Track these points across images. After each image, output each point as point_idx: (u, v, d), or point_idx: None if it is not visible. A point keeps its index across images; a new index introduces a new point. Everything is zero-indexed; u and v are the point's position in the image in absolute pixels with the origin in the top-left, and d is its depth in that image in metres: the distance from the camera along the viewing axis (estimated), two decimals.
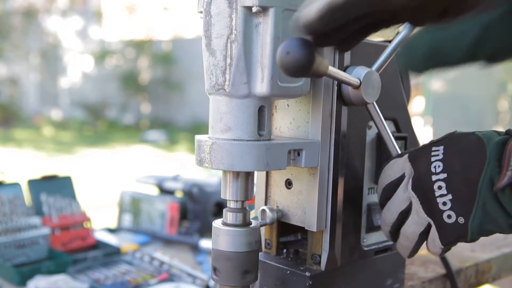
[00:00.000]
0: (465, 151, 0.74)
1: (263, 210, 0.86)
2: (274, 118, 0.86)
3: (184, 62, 14.46)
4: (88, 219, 1.75)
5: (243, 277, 0.76)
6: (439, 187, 0.74)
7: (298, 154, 0.78)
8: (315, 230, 0.81)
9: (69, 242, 1.68)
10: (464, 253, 1.24)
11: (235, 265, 0.75)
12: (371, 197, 0.90)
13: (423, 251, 1.23)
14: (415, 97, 8.38)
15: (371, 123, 0.88)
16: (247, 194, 0.76)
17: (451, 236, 0.76)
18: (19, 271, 1.42)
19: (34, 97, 16.64)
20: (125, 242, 1.80)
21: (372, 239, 0.91)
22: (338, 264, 0.84)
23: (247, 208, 0.77)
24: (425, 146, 0.79)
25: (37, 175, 1.78)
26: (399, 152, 0.84)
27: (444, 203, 0.74)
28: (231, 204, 0.77)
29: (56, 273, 1.43)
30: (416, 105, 8.42)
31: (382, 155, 0.89)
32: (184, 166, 7.91)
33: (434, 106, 8.81)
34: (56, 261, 1.53)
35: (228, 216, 0.77)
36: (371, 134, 0.88)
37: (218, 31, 0.71)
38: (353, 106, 0.82)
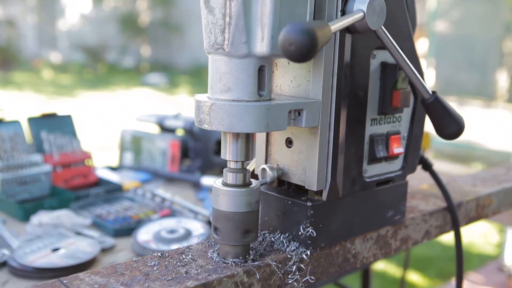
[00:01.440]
0: None
1: (263, 169, 0.85)
2: (275, 76, 0.84)
3: (184, 3, 14.18)
4: (89, 157, 1.75)
5: (243, 237, 0.76)
6: None
7: (299, 114, 0.76)
8: (315, 190, 0.81)
9: (71, 179, 1.69)
10: (465, 187, 1.24)
11: (236, 225, 0.75)
12: (374, 128, 0.89)
13: (424, 185, 1.24)
14: (419, 38, 8.24)
15: (375, 52, 0.85)
16: (247, 154, 0.75)
17: None
18: (23, 207, 1.43)
19: (32, 39, 16.42)
20: (126, 180, 1.81)
21: (374, 171, 0.91)
22: (339, 194, 0.84)
23: (247, 168, 0.77)
24: None
25: (37, 114, 1.78)
26: (417, 74, 0.82)
27: None
28: (231, 165, 0.76)
29: (58, 209, 1.44)
30: (420, 47, 8.30)
31: (386, 85, 0.88)
32: (184, 109, 7.90)
33: (438, 47, 8.69)
34: (59, 197, 1.54)
35: (228, 176, 0.76)
36: (375, 63, 0.86)
37: None
38: (357, 34, 0.80)
